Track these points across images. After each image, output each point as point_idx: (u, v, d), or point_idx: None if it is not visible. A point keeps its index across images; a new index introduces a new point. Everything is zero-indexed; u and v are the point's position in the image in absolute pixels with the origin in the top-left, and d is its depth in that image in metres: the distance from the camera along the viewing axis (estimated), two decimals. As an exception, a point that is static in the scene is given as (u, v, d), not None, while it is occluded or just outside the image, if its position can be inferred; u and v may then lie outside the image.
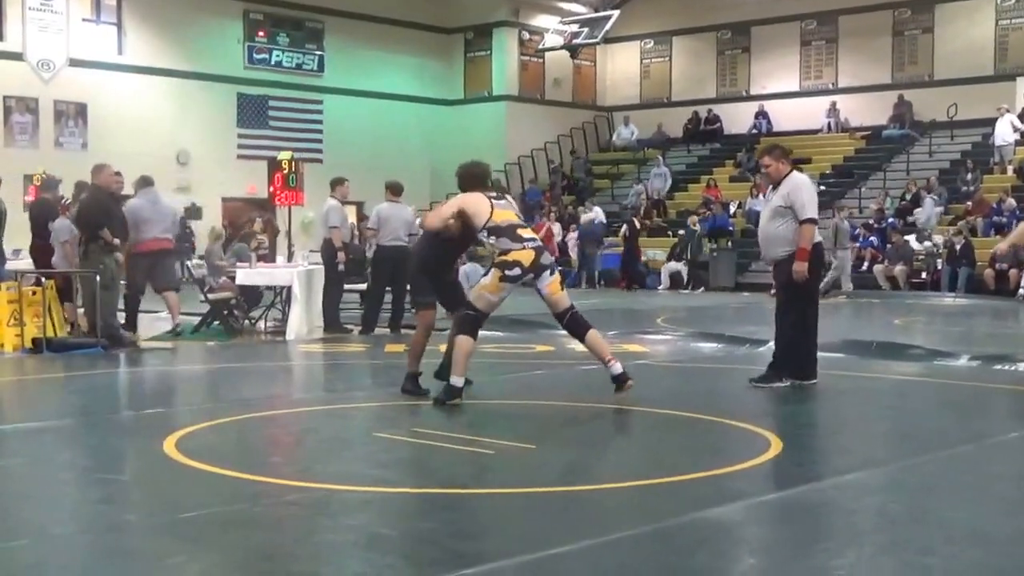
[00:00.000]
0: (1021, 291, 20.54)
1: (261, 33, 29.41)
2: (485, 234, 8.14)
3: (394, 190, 13.84)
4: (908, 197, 25.57)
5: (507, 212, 8.22)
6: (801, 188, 8.83)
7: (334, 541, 4.58)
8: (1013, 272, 21.21)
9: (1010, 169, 25.66)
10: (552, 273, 8.15)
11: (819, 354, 9.21)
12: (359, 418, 7.80)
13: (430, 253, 8.63)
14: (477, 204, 8.19)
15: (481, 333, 8.73)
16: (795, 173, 9.10)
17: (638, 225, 26.35)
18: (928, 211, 24.54)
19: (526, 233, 8.17)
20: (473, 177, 8.60)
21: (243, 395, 9.03)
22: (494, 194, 8.44)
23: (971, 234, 22.75)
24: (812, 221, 8.76)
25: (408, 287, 8.46)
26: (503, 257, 8.00)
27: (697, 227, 25.54)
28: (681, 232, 25.98)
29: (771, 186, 9.22)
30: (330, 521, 4.87)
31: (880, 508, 5.17)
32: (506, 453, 6.31)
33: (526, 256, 7.98)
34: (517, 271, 7.96)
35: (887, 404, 8.70)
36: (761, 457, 6.12)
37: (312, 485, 5.43)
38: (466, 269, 16.14)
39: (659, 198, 29.63)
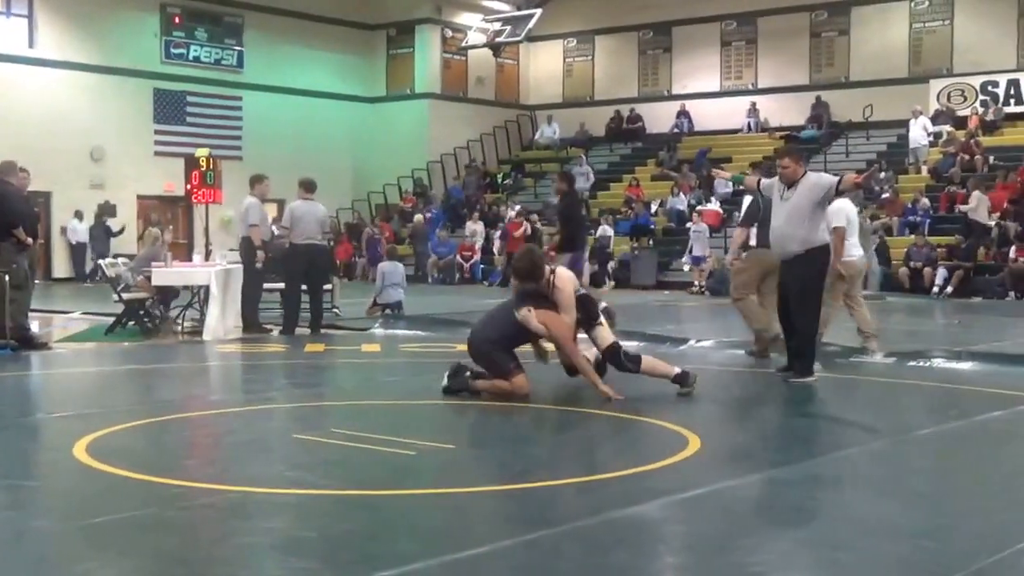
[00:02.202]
0: (935, 289, 20.86)
1: (176, 20, 28.98)
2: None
3: (307, 187, 13.70)
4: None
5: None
6: (819, 186, 9.24)
7: (250, 544, 4.51)
8: (928, 271, 21.61)
9: (924, 169, 26.15)
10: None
11: (736, 352, 9.30)
12: (277, 420, 7.71)
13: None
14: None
15: (404, 333, 8.71)
16: (811, 174, 9.49)
17: (539, 225, 26.00)
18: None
19: None
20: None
21: (158, 397, 8.89)
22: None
23: (886, 233, 23.14)
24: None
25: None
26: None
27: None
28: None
29: (785, 186, 9.39)
30: (246, 524, 4.80)
31: (796, 504, 5.22)
32: (426, 454, 6.27)
33: None
34: None
35: (804, 401, 8.80)
36: (679, 455, 6.15)
37: (228, 488, 5.35)
38: (384, 267, 16.05)
39: (582, 197, 29.72)
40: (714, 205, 26.34)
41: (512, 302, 8.50)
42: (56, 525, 4.83)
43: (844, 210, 11.04)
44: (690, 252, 24.41)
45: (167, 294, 14.01)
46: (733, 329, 12.62)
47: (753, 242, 10.85)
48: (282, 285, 14.05)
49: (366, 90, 33.16)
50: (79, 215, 26.72)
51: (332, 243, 18.10)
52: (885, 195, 24.64)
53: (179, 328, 13.79)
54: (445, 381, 8.32)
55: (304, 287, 13.55)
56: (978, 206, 22.45)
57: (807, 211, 9.15)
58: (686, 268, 24.33)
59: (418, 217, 28.62)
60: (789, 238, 9.25)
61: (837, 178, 9.35)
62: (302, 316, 13.65)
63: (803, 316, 9.28)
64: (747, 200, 11.16)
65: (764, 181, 9.90)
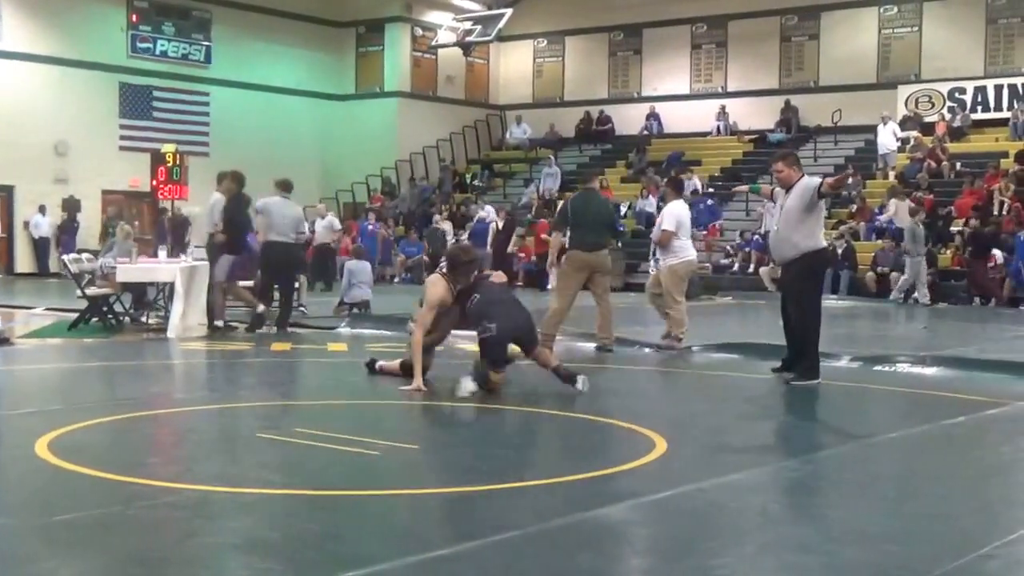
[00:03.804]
0: (894, 293, 21.01)
1: (141, 16, 28.77)
2: None
3: (284, 187, 13.65)
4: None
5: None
6: (807, 190, 9.23)
7: (212, 544, 4.46)
8: (894, 275, 21.75)
9: (892, 175, 26.32)
10: None
11: (707, 356, 9.32)
12: (241, 418, 7.64)
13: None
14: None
15: (370, 332, 8.73)
16: (806, 178, 9.49)
17: (501, 224, 26.01)
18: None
19: None
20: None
21: (122, 394, 8.81)
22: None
23: (853, 238, 23.29)
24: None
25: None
26: None
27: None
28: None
29: (783, 191, 9.51)
30: (208, 524, 4.76)
31: (762, 508, 5.22)
32: (390, 454, 6.24)
33: None
34: None
35: (771, 404, 8.83)
36: (646, 457, 6.14)
37: (191, 487, 5.30)
38: (351, 266, 16.01)
39: (550, 198, 29.74)
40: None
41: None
42: (16, 523, 4.76)
43: (675, 213, 11.57)
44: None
45: (140, 291, 13.92)
46: (701, 332, 12.66)
47: (567, 244, 11.42)
48: (249, 283, 13.96)
49: (335, 88, 33.05)
50: (42, 209, 26.50)
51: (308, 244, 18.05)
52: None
53: (144, 325, 13.68)
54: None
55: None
56: (897, 212, 22.97)
57: (799, 215, 9.21)
58: (652, 271, 24.29)
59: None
60: (784, 242, 9.34)
61: (820, 180, 9.38)
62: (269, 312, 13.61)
63: (802, 319, 9.33)
64: (560, 207, 11.46)
65: (777, 188, 9.95)
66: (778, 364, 9.64)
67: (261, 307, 13.06)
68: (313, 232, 20.51)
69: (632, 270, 25.30)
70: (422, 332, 8.74)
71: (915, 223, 20.91)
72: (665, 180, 12.68)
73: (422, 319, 8.81)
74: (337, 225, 22.87)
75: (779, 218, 9.43)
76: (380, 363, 9.37)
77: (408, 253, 26.92)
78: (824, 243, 9.53)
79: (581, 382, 8.45)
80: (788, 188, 9.37)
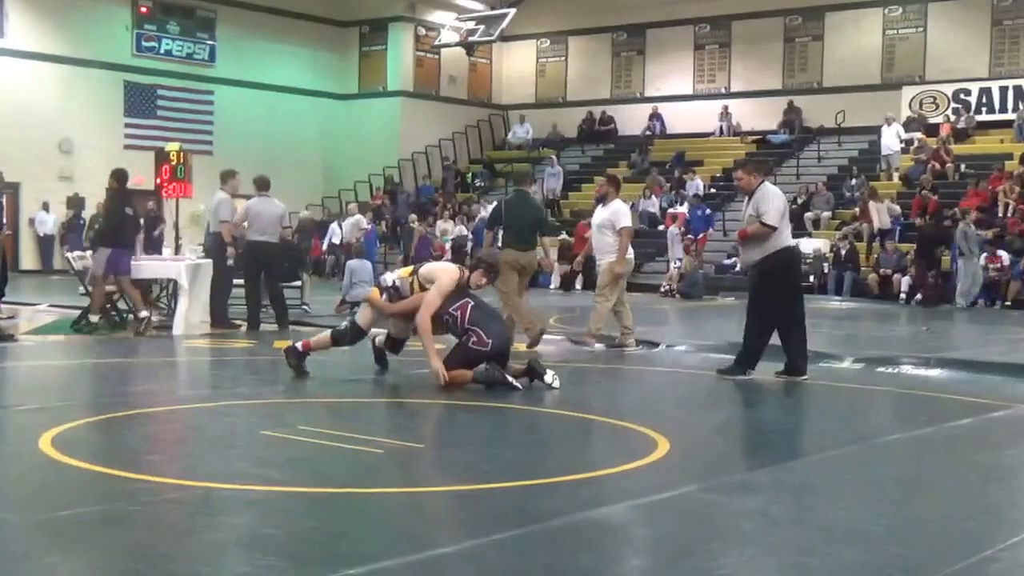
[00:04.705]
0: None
1: (147, 12, 28.76)
2: None
3: (260, 186, 13.63)
4: (800, 201, 26.02)
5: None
6: (768, 197, 9.52)
7: (215, 540, 4.47)
8: (897, 277, 21.73)
9: (896, 176, 26.29)
10: None
11: (709, 356, 9.36)
12: (244, 416, 7.64)
13: None
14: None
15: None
16: (766, 184, 9.74)
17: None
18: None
19: None
20: None
21: (125, 391, 8.81)
22: None
23: (856, 239, 23.26)
24: (772, 227, 9.38)
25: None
26: None
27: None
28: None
29: (747, 197, 9.79)
30: (211, 520, 4.76)
31: (763, 509, 5.22)
32: (393, 452, 6.25)
33: None
34: None
35: (773, 405, 8.83)
36: (648, 458, 6.14)
37: (194, 483, 5.31)
38: (352, 265, 16.02)
39: (553, 198, 29.74)
40: (684, 208, 26.37)
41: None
42: (19, 518, 4.78)
43: (625, 211, 11.87)
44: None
45: (144, 289, 13.91)
46: (703, 332, 12.65)
47: (499, 244, 11.65)
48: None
49: (338, 87, 33.05)
50: (46, 207, 26.54)
51: (303, 242, 18.02)
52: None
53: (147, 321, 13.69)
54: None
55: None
56: (879, 215, 23.06)
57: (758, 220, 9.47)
58: (673, 269, 24.19)
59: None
60: (748, 248, 9.69)
61: (766, 214, 9.42)
62: (269, 313, 13.61)
63: (751, 318, 9.65)
64: (490, 207, 11.56)
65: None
66: (781, 368, 9.67)
67: (144, 312, 12.80)
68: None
69: (636, 269, 25.24)
70: (429, 314, 8.69)
71: (966, 224, 20.57)
72: (606, 179, 12.78)
73: (431, 302, 8.74)
74: (364, 224, 23.06)
75: (745, 223, 9.72)
76: (301, 342, 9.39)
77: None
78: (786, 244, 9.66)
79: (521, 384, 8.55)
80: (749, 194, 9.65)
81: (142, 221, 12.99)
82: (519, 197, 12.33)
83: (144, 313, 12.72)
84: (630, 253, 12.26)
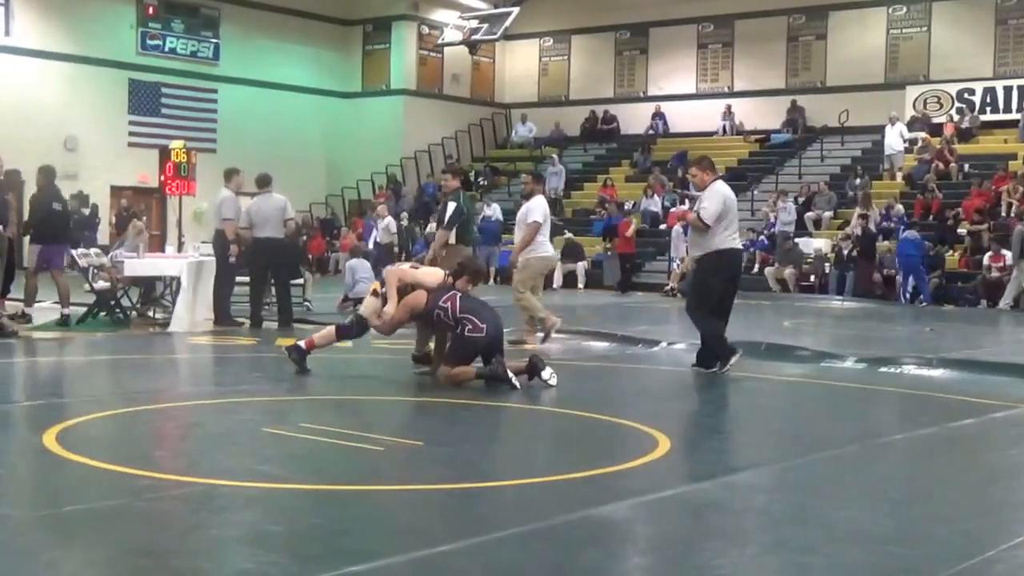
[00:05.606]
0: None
1: (152, 11, 28.77)
2: None
3: (261, 183, 13.68)
4: (801, 200, 26.04)
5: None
6: (712, 195, 9.73)
7: (218, 537, 4.48)
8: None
9: (899, 176, 26.28)
10: None
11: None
12: (247, 413, 7.65)
13: None
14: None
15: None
16: (716, 182, 9.92)
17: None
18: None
19: None
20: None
21: (129, 388, 8.83)
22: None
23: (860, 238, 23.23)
24: (704, 224, 9.62)
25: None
26: None
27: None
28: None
29: (702, 194, 10.01)
30: (214, 517, 4.77)
31: (765, 507, 5.22)
32: (395, 450, 6.26)
33: None
34: None
35: (775, 405, 8.84)
36: (649, 456, 6.15)
37: (197, 480, 5.32)
38: (353, 264, 16.04)
39: (555, 196, 29.76)
40: (686, 207, 26.35)
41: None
42: (24, 514, 4.79)
43: (543, 207, 11.91)
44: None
45: (148, 286, 13.97)
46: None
47: (453, 241, 11.69)
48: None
49: (341, 85, 33.06)
50: (50, 204, 26.55)
51: (306, 237, 18.06)
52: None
53: (150, 319, 13.72)
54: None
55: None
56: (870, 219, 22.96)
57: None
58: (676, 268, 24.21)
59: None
60: (692, 242, 10.14)
61: (704, 210, 9.67)
62: (272, 311, 13.63)
63: (696, 316, 9.94)
64: (451, 207, 11.51)
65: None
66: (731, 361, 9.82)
67: (29, 309, 13.05)
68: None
69: (637, 269, 25.30)
70: (398, 281, 8.96)
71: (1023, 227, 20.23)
72: (531, 177, 12.85)
73: (414, 297, 8.88)
74: (393, 228, 23.34)
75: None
76: (305, 340, 9.48)
77: (413, 251, 26.93)
78: (723, 247, 9.74)
79: (518, 381, 8.57)
80: (701, 191, 9.93)
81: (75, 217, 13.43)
82: (470, 197, 12.60)
83: (28, 310, 12.98)
84: (548, 249, 12.42)
